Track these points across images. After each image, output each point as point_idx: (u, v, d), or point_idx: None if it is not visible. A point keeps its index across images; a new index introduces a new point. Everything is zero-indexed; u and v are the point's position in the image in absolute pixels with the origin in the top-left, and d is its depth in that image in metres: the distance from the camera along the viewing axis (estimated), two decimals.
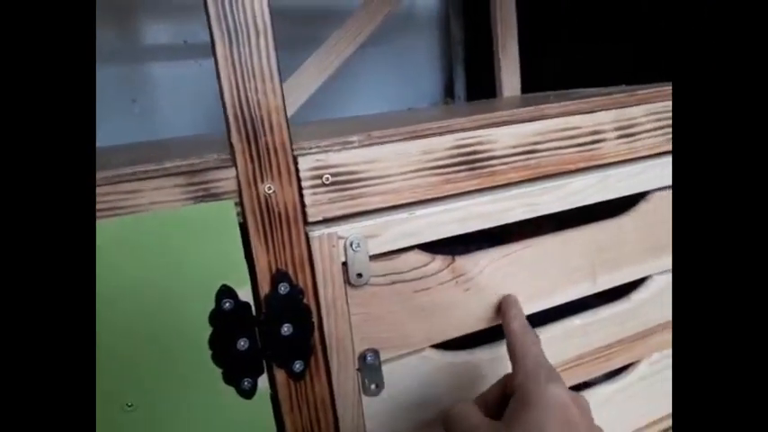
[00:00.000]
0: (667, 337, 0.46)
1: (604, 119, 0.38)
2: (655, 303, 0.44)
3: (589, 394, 0.44)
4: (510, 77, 0.72)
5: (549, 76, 0.75)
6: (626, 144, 0.39)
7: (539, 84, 0.72)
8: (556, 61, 0.75)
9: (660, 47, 0.59)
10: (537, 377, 0.30)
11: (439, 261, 0.35)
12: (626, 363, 0.45)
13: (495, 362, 0.39)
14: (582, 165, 0.38)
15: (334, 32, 0.62)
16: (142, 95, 0.72)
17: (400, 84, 0.89)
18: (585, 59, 0.71)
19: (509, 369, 0.39)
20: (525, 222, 0.38)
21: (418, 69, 0.90)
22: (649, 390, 0.47)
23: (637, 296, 0.44)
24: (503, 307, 0.37)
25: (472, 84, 0.90)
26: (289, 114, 0.61)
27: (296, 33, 0.75)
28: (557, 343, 0.40)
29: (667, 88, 0.40)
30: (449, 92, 0.92)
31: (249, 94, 0.27)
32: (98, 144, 0.69)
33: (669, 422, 0.49)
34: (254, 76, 0.27)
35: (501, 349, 0.39)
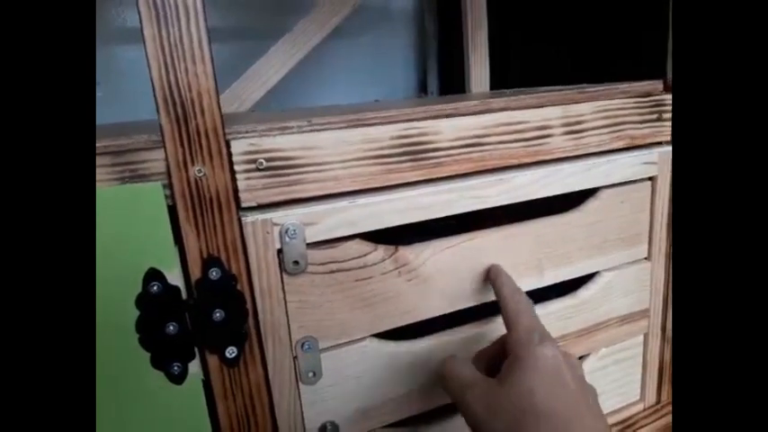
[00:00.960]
0: (614, 332, 0.47)
1: (551, 114, 0.38)
2: (602, 299, 0.45)
3: None
4: (479, 73, 0.72)
5: (523, 73, 0.75)
6: (573, 140, 0.39)
7: (512, 81, 0.73)
8: (529, 59, 0.76)
9: (636, 45, 0.60)
10: (529, 338, 0.31)
11: (381, 251, 0.35)
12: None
13: (436, 352, 0.39)
14: (528, 159, 0.38)
15: (300, 21, 0.62)
16: (107, 79, 0.71)
17: (374, 77, 0.89)
18: (559, 57, 0.71)
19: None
20: (492, 217, 0.38)
21: (392, 63, 0.90)
22: (596, 384, 0.47)
23: (584, 293, 0.44)
24: (491, 276, 0.38)
25: (446, 79, 0.90)
26: (253, 101, 0.61)
27: (264, 22, 0.75)
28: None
29: (616, 86, 0.41)
30: (422, 87, 0.92)
31: (179, 75, 0.27)
32: None
33: (615, 418, 0.50)
34: (184, 58, 0.27)
35: (443, 339, 0.39)
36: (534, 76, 0.70)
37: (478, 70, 0.72)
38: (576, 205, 0.41)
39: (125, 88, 0.72)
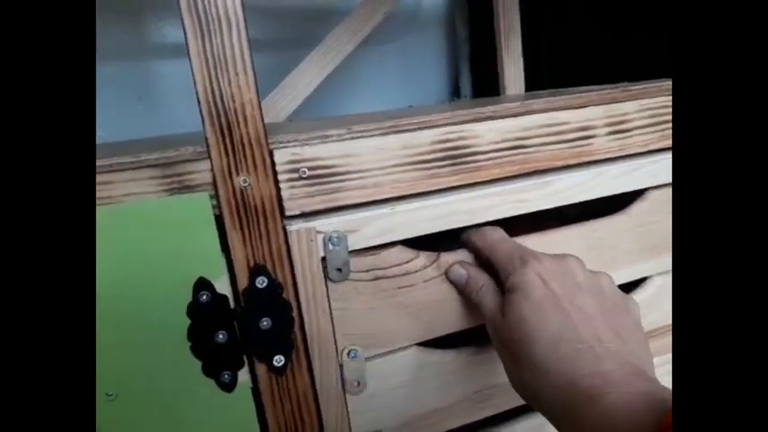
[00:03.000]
0: (664, 341, 0.45)
1: (593, 114, 0.37)
2: (651, 305, 0.43)
3: None
4: (513, 75, 0.71)
5: (558, 74, 0.74)
6: (617, 140, 0.38)
7: (546, 81, 0.72)
8: (563, 59, 0.74)
9: (668, 44, 0.58)
10: (511, 266, 0.32)
11: (423, 258, 0.35)
12: None
13: (482, 362, 0.38)
14: (571, 161, 0.37)
15: (333, 31, 0.62)
16: (147, 93, 0.73)
17: (406, 82, 0.89)
18: (593, 57, 0.70)
19: (496, 369, 0.39)
20: (533, 221, 0.37)
21: (424, 68, 0.90)
22: None
23: (634, 297, 0.43)
24: (463, 241, 0.37)
25: (479, 82, 0.89)
26: (289, 112, 0.62)
27: (299, 32, 0.76)
28: None
29: (661, 84, 0.39)
30: (455, 90, 0.91)
31: (223, 87, 0.27)
32: (101, 141, 0.70)
33: None
34: (227, 70, 0.27)
35: (489, 349, 0.38)
36: (569, 77, 0.69)
37: (512, 72, 0.71)
38: (622, 208, 0.40)
39: (164, 102, 0.74)
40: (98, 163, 0.27)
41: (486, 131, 0.35)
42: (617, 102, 0.38)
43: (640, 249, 0.41)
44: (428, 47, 0.89)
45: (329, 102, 0.79)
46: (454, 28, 0.89)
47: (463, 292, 0.35)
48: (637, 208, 0.40)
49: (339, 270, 0.32)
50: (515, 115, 0.35)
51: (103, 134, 0.70)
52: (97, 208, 0.27)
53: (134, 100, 0.72)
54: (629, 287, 0.43)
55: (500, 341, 0.32)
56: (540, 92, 0.63)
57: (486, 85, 0.86)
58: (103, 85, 0.69)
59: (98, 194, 0.27)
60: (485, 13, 0.75)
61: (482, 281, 0.34)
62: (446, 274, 0.35)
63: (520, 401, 0.39)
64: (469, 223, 0.35)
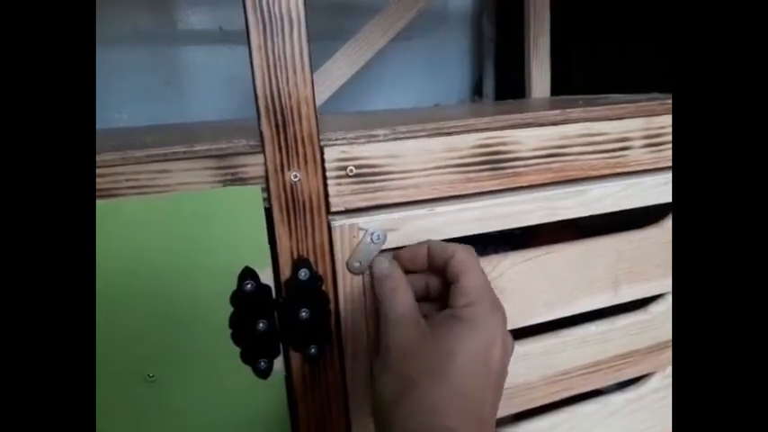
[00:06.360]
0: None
1: (631, 127, 0.38)
2: (667, 319, 0.44)
3: (601, 402, 0.44)
4: (540, 78, 0.71)
5: (581, 77, 0.74)
6: (653, 153, 0.39)
7: (570, 85, 0.72)
8: (588, 63, 0.75)
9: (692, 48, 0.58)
10: (479, 302, 0.28)
11: None
12: (639, 374, 0.45)
13: None
14: (606, 171, 0.38)
15: (366, 25, 0.63)
16: (175, 78, 0.74)
17: (430, 79, 0.89)
18: (619, 61, 0.70)
19: (518, 369, 0.39)
20: (554, 229, 0.37)
21: (448, 66, 0.90)
22: (661, 402, 0.46)
23: (655, 308, 0.43)
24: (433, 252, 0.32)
25: (502, 83, 0.90)
26: (318, 104, 0.62)
27: (329, 24, 0.76)
28: (572, 349, 0.41)
29: None
30: (478, 90, 0.92)
31: (281, 85, 0.28)
32: (129, 124, 0.71)
33: None
34: (286, 67, 0.28)
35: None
36: (594, 81, 0.69)
37: (539, 75, 0.71)
38: (655, 221, 0.40)
39: (190, 87, 0.75)
40: (155, 151, 0.27)
41: (527, 138, 0.35)
42: (655, 115, 0.38)
43: (669, 263, 0.42)
44: (454, 45, 0.89)
45: (354, 94, 0.80)
46: (481, 27, 0.89)
47: (377, 284, 0.31)
48: (670, 222, 0.40)
49: (359, 263, 0.33)
50: (555, 123, 0.36)
51: (132, 117, 0.71)
52: (153, 195, 0.27)
53: (161, 85, 0.73)
54: (650, 298, 0.43)
55: (406, 354, 0.28)
56: (569, 97, 0.63)
57: (509, 86, 0.86)
58: (132, 69, 0.70)
59: (155, 182, 0.27)
60: (512, 15, 0.75)
61: (403, 283, 0.30)
62: (371, 265, 0.32)
63: (520, 407, 0.40)
64: (506, 227, 0.36)
